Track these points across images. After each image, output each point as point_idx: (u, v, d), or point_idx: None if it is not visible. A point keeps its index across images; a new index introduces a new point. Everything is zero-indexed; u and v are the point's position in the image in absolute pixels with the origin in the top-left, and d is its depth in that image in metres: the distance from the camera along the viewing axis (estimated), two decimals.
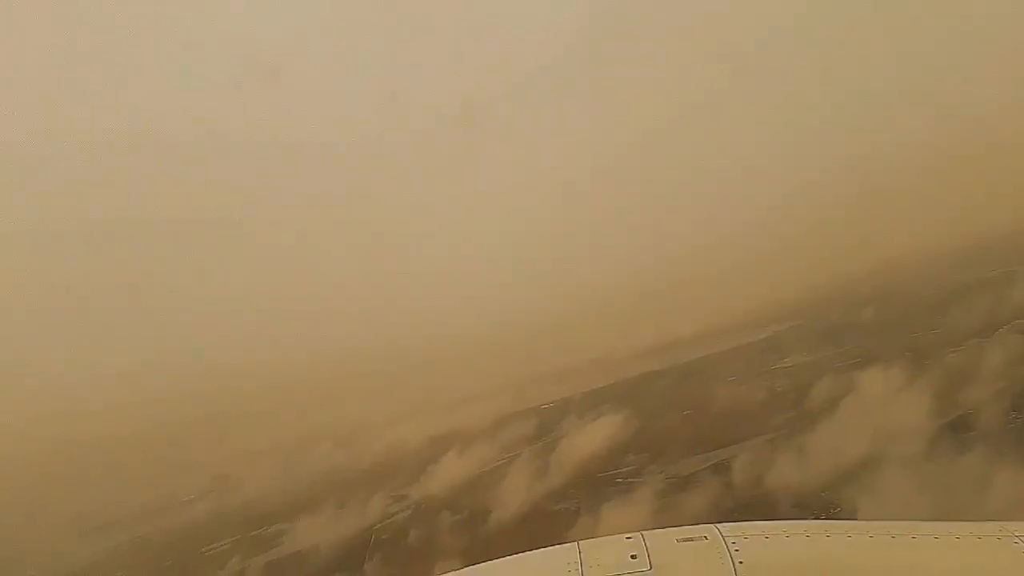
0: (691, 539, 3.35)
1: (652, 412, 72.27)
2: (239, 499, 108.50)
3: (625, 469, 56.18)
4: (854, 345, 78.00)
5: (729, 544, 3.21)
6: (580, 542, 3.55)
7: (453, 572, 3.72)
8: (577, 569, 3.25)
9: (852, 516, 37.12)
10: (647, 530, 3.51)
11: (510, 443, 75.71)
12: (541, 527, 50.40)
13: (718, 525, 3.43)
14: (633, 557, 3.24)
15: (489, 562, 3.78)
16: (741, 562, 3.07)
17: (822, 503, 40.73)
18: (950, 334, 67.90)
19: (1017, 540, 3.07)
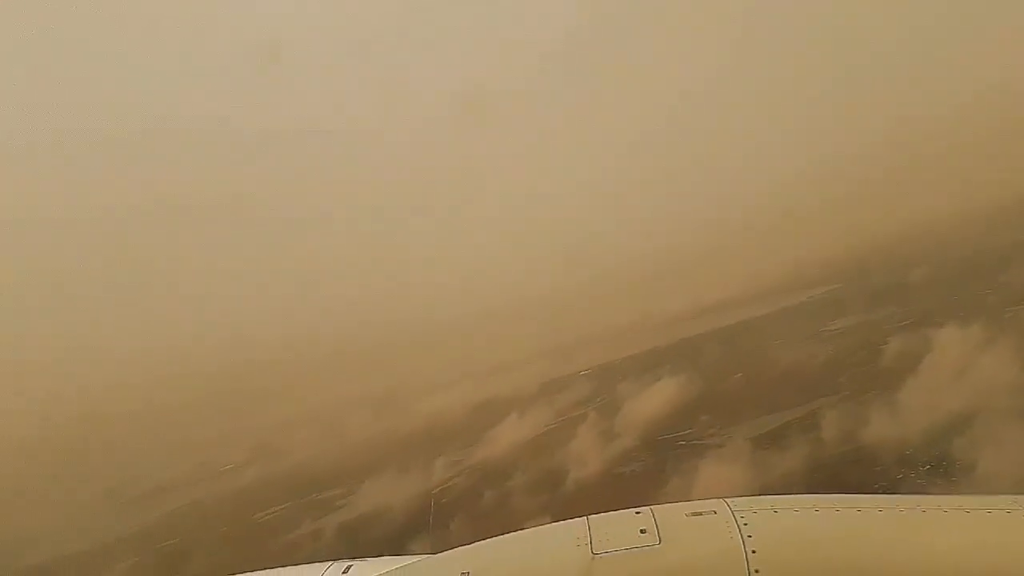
0: (700, 513, 3.28)
1: (712, 374, 71.62)
2: (282, 467, 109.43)
3: (700, 430, 55.59)
4: (909, 305, 77.08)
5: (738, 518, 3.15)
6: (589, 517, 3.45)
7: (466, 545, 3.65)
8: (587, 543, 3.18)
9: (971, 469, 36.78)
10: (656, 505, 3.40)
11: (566, 407, 75.40)
12: (620, 489, 50.15)
13: (727, 499, 3.35)
14: (642, 531, 3.18)
15: (500, 536, 3.68)
16: (750, 536, 3.01)
17: (931, 457, 40.25)
18: (1011, 293, 66.83)
19: None
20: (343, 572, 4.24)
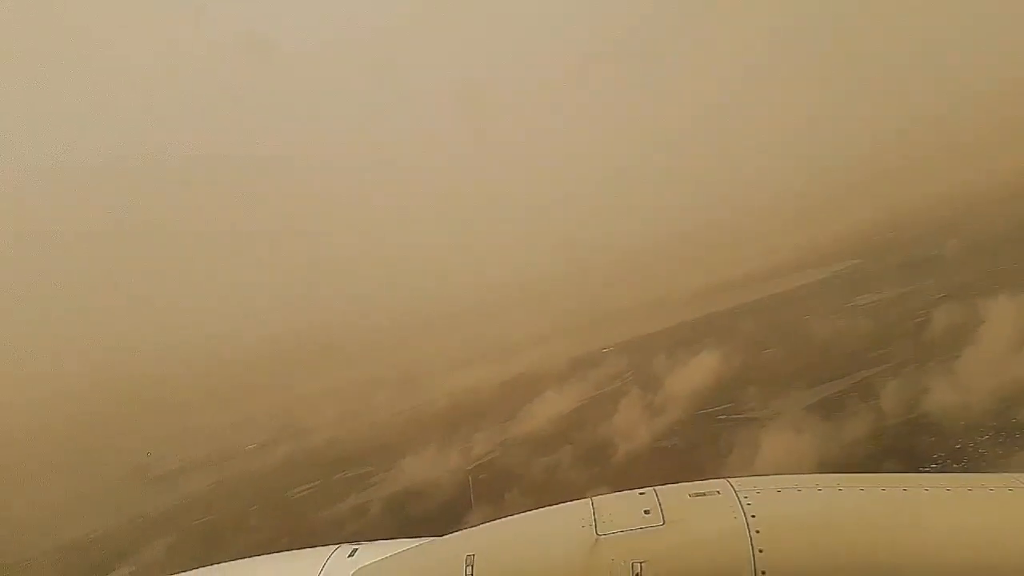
0: (704, 494, 3.29)
1: (751, 347, 71.22)
2: (307, 446, 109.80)
3: (750, 402, 55.20)
4: (945, 278, 76.51)
5: (741, 498, 3.15)
6: (593, 498, 3.43)
7: (468, 528, 3.65)
8: (591, 525, 3.19)
9: None
10: (659, 485, 3.39)
11: (603, 381, 75.15)
12: (675, 461, 49.98)
13: (730, 479, 3.33)
14: (646, 512, 3.18)
15: (503, 519, 3.65)
16: (754, 516, 3.01)
17: (992, 426, 39.99)
18: None
19: None
20: (348, 556, 4.18)
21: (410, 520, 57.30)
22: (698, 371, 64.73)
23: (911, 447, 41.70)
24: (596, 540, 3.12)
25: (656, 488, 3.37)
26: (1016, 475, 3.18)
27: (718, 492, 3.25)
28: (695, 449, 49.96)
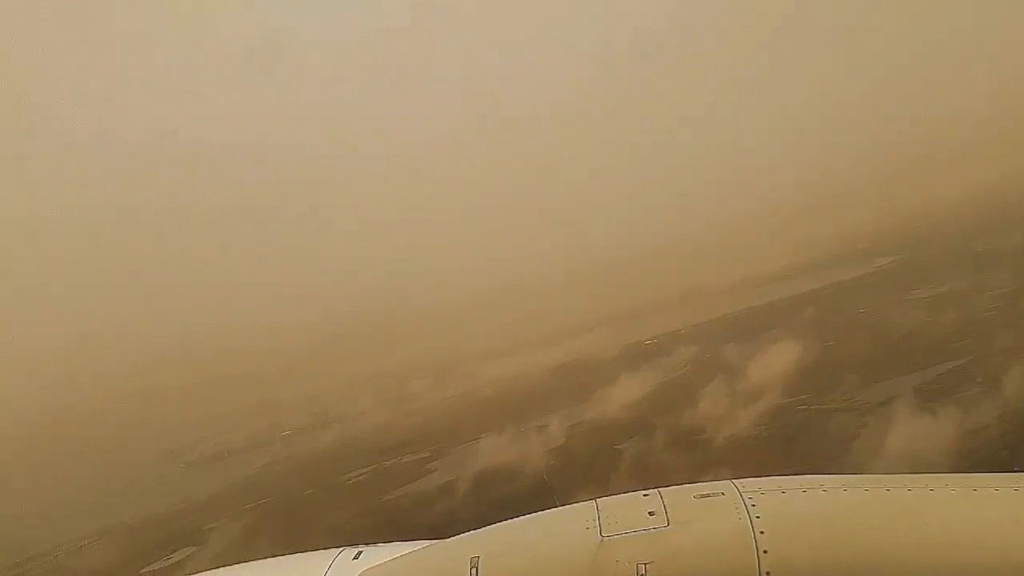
0: (708, 495, 3.30)
1: (824, 336, 69.94)
2: (350, 432, 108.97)
3: (850, 390, 53.78)
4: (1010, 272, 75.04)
5: (746, 499, 3.18)
6: (597, 499, 3.49)
7: (475, 530, 3.69)
8: (596, 526, 3.22)
9: None
10: (664, 487, 3.43)
11: (673, 367, 73.96)
12: (782, 451, 48.66)
13: (735, 481, 3.38)
14: (651, 514, 3.22)
15: (508, 521, 3.69)
16: (758, 517, 3.06)
17: None
18: None
19: None
20: (353, 558, 4.17)
21: (488, 504, 56.35)
22: (780, 358, 63.36)
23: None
24: (601, 541, 3.12)
25: (660, 489, 3.39)
26: (1022, 474, 3.16)
27: (722, 493, 3.26)
28: (800, 437, 48.67)
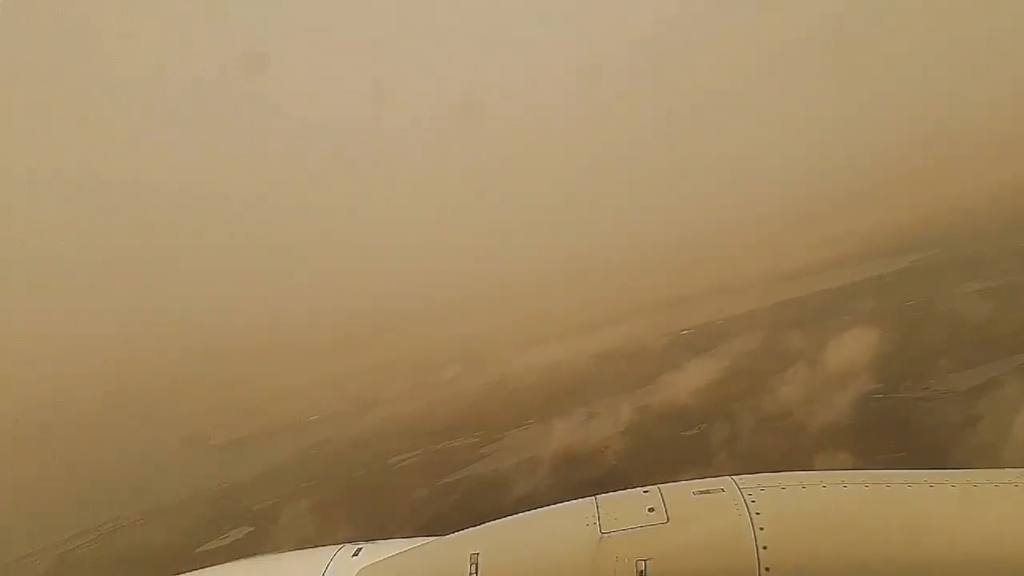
0: (708, 492, 3.30)
1: (894, 324, 68.52)
2: (387, 416, 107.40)
3: (947, 375, 52.42)
4: None
5: (746, 496, 3.17)
6: (597, 496, 3.50)
7: (469, 529, 3.67)
8: (595, 523, 3.22)
9: None
10: (663, 484, 3.42)
11: (736, 355, 72.56)
12: (879, 437, 47.17)
13: (735, 477, 3.36)
14: (651, 510, 3.21)
15: (507, 518, 3.69)
16: (758, 513, 3.05)
17: None
18: None
19: None
20: (352, 555, 4.14)
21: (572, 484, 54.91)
22: (856, 345, 61.98)
23: None
24: (600, 538, 3.07)
25: (660, 486, 3.37)
26: (1021, 470, 3.13)
27: (722, 490, 3.24)
28: (906, 425, 47.19)
